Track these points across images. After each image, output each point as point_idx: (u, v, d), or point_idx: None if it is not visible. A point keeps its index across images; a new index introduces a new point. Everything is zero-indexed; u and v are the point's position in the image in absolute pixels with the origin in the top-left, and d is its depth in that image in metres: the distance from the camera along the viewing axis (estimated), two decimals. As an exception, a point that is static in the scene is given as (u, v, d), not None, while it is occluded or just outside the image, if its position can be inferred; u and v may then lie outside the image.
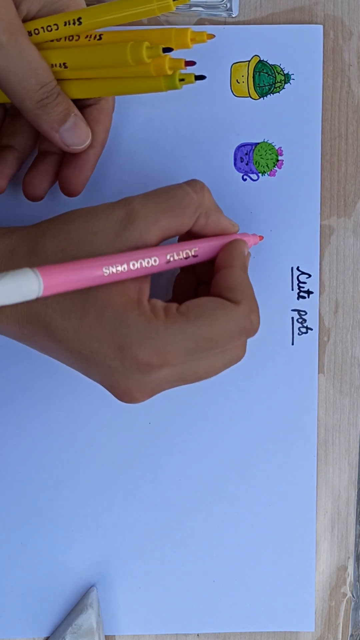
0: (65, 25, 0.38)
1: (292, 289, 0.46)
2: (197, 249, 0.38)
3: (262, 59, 0.45)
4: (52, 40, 0.39)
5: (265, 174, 0.45)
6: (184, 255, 0.37)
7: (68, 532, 0.47)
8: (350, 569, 0.47)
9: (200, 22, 0.45)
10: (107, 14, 0.38)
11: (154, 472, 0.47)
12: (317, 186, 0.45)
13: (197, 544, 0.47)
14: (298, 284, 0.46)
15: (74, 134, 0.39)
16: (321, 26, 0.45)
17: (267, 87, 0.45)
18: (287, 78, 0.45)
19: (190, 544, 0.47)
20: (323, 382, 0.46)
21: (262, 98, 0.45)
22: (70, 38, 0.39)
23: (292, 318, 0.46)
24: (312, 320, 0.46)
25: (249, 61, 0.45)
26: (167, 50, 0.38)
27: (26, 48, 0.37)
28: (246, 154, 0.45)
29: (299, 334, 0.46)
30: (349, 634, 0.48)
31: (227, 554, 0.47)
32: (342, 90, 0.45)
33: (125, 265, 0.35)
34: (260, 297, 0.44)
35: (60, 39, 0.39)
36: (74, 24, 0.38)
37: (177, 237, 0.42)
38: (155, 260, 0.36)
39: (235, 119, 0.45)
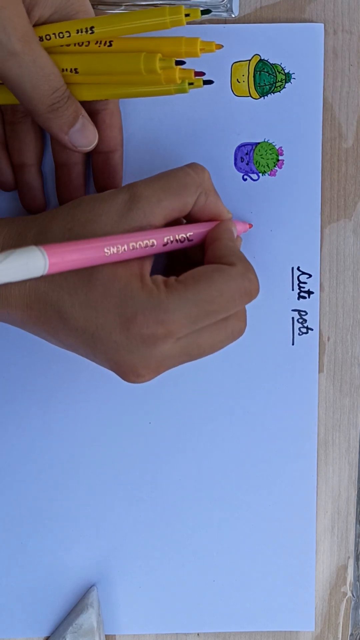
0: (77, 32, 0.39)
1: (293, 289, 0.46)
2: (192, 233, 0.39)
3: (262, 58, 0.45)
4: (61, 45, 0.40)
5: (266, 174, 0.45)
6: (180, 238, 0.39)
7: (68, 531, 0.47)
8: (350, 569, 0.47)
9: (200, 21, 0.45)
10: (119, 24, 0.39)
11: (154, 472, 0.47)
12: (317, 186, 0.45)
13: (197, 544, 0.47)
14: (298, 284, 0.46)
15: (82, 135, 0.40)
16: (322, 25, 0.45)
17: (267, 87, 0.45)
18: (287, 77, 0.45)
19: (190, 544, 0.47)
20: (323, 381, 0.46)
21: (262, 97, 0.45)
22: (81, 43, 0.40)
23: (293, 318, 0.46)
24: (312, 321, 0.46)
25: (250, 60, 0.45)
26: (179, 62, 0.39)
27: (39, 55, 0.38)
28: (246, 153, 0.45)
29: (299, 334, 0.46)
30: (349, 633, 0.48)
31: (227, 553, 0.47)
32: (342, 90, 0.45)
33: (125, 246, 0.36)
34: (260, 297, 0.44)
35: (70, 44, 0.40)
36: (86, 32, 0.39)
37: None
38: (153, 242, 0.37)
39: (235, 119, 0.45)
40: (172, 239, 0.38)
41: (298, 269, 0.46)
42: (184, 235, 0.39)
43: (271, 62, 0.45)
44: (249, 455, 0.46)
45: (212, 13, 0.44)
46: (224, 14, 0.45)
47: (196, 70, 0.40)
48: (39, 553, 0.47)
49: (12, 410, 0.46)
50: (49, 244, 0.34)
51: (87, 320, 0.37)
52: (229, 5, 0.44)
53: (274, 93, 0.45)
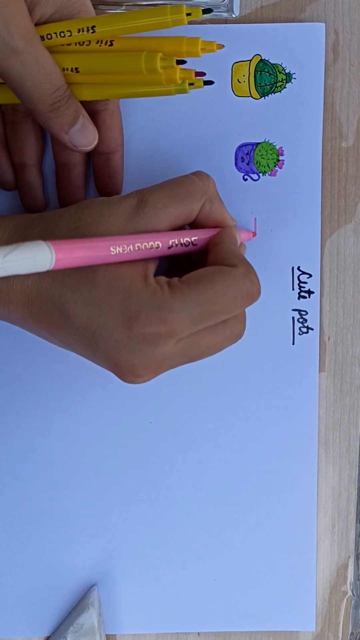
0: (78, 32, 0.39)
1: (293, 289, 0.46)
2: (196, 237, 0.40)
3: (263, 58, 0.45)
4: (62, 45, 0.40)
5: (266, 174, 0.45)
6: (185, 242, 0.39)
7: (69, 531, 0.47)
8: (351, 568, 0.48)
9: (201, 21, 0.45)
10: (120, 23, 0.39)
11: (155, 472, 0.47)
12: (317, 186, 0.45)
13: (197, 543, 0.47)
14: (299, 284, 0.46)
15: (82, 135, 0.40)
16: (323, 25, 0.45)
17: (268, 87, 0.45)
18: (288, 77, 0.45)
19: (191, 543, 0.47)
20: (324, 381, 0.47)
21: (263, 97, 0.45)
22: (82, 43, 0.40)
23: (293, 318, 0.46)
24: (312, 320, 0.46)
25: (250, 60, 0.45)
26: (180, 62, 0.39)
27: (41, 54, 0.38)
28: (247, 153, 0.45)
29: (299, 333, 0.46)
30: (349, 633, 0.48)
31: (228, 553, 0.47)
32: (342, 90, 0.45)
33: (131, 247, 0.36)
34: (260, 297, 0.44)
35: (71, 43, 0.40)
36: (87, 31, 0.39)
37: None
38: (158, 244, 0.38)
39: (236, 119, 0.45)
40: (177, 242, 0.39)
41: (298, 268, 0.46)
42: (189, 240, 0.39)
43: (272, 62, 0.45)
44: (249, 454, 0.46)
45: (213, 13, 0.44)
46: (225, 14, 0.45)
47: (197, 70, 0.41)
48: (40, 553, 0.47)
49: (12, 409, 0.46)
50: (56, 240, 0.34)
51: (89, 318, 0.37)
52: (229, 5, 0.44)
53: (274, 93, 0.45)
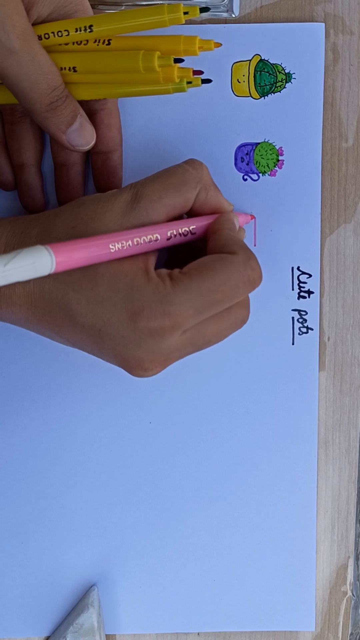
0: (76, 31, 0.39)
1: (293, 289, 0.46)
2: (194, 226, 0.40)
3: (263, 58, 0.45)
4: (60, 44, 0.40)
5: (266, 174, 0.45)
6: (183, 232, 0.39)
7: (68, 531, 0.47)
8: (350, 568, 0.47)
9: (201, 21, 0.45)
10: (118, 22, 0.39)
11: (155, 472, 0.47)
12: (317, 186, 0.45)
13: (197, 543, 0.47)
14: (298, 284, 0.46)
15: (80, 135, 0.40)
16: (322, 24, 0.45)
17: (268, 87, 0.45)
18: (288, 77, 0.45)
19: (190, 543, 0.47)
20: (323, 381, 0.46)
21: (263, 97, 0.45)
22: (79, 42, 0.40)
23: (293, 318, 0.46)
24: (312, 320, 0.46)
25: (250, 60, 0.45)
26: (178, 60, 0.39)
27: (38, 53, 0.38)
28: (247, 153, 0.45)
29: (299, 333, 0.46)
30: (349, 633, 0.48)
31: (228, 553, 0.47)
32: (342, 90, 0.45)
33: (130, 242, 0.36)
34: (260, 297, 0.44)
35: (69, 42, 0.40)
36: (84, 30, 0.39)
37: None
38: (157, 237, 0.38)
39: (235, 119, 0.45)
40: (175, 232, 0.39)
41: (298, 268, 0.46)
42: (187, 229, 0.39)
43: (271, 62, 0.45)
44: (249, 455, 0.46)
45: (212, 13, 0.44)
46: (224, 14, 0.44)
47: (195, 69, 0.41)
48: (40, 553, 0.47)
49: (12, 409, 0.46)
50: (55, 243, 0.34)
51: (94, 316, 0.37)
52: (229, 5, 0.44)
53: (274, 93, 0.45)
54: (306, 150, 0.45)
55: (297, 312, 0.46)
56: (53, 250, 0.33)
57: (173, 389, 0.46)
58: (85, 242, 0.35)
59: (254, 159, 0.45)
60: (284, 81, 0.45)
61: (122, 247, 0.36)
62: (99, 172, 0.44)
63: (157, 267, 0.39)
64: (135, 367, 0.38)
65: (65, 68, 0.40)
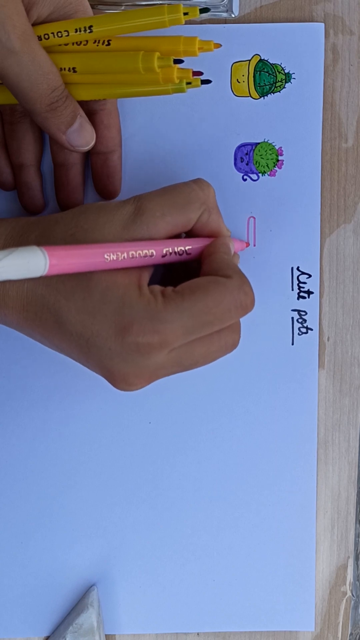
0: (76, 32, 0.39)
1: (292, 289, 0.46)
2: (190, 247, 0.40)
3: (262, 58, 0.45)
4: (60, 45, 0.40)
5: (266, 174, 0.45)
6: (179, 251, 0.39)
7: (68, 531, 0.47)
8: (350, 568, 0.48)
9: (200, 21, 0.45)
10: (118, 23, 0.39)
11: (154, 472, 0.47)
12: (317, 186, 0.45)
13: (197, 543, 0.47)
14: (298, 284, 0.46)
15: (79, 135, 0.40)
16: (322, 24, 0.45)
17: (267, 87, 0.45)
18: (287, 77, 0.45)
19: (190, 543, 0.47)
20: (323, 381, 0.46)
21: (262, 97, 0.45)
22: (79, 43, 0.40)
23: (292, 318, 0.46)
24: (312, 320, 0.46)
25: (250, 60, 0.45)
26: (178, 61, 0.39)
27: (38, 54, 0.38)
28: (246, 153, 0.45)
29: (299, 334, 0.46)
30: (349, 633, 0.48)
31: (227, 553, 0.47)
32: (342, 90, 0.45)
33: (125, 254, 0.36)
34: (260, 297, 0.44)
35: (69, 43, 0.40)
36: (84, 31, 0.39)
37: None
38: (152, 253, 0.37)
39: (235, 119, 0.45)
40: (171, 250, 0.38)
41: (298, 269, 0.46)
42: (183, 249, 0.39)
43: (271, 62, 0.45)
44: (248, 455, 0.46)
45: (212, 13, 0.44)
46: (224, 14, 0.44)
47: (195, 70, 0.40)
48: (39, 553, 0.47)
49: (12, 409, 0.46)
50: (50, 246, 0.34)
51: (83, 326, 0.37)
52: (229, 5, 0.44)
53: (274, 93, 0.45)
54: (306, 151, 0.45)
55: (296, 312, 0.46)
56: (48, 252, 0.33)
57: (173, 389, 0.46)
58: (80, 248, 0.35)
59: (254, 159, 0.45)
60: (284, 81, 0.45)
61: (117, 258, 0.36)
62: (98, 173, 0.44)
63: (152, 282, 0.39)
64: (120, 381, 0.38)
65: (65, 68, 0.40)
